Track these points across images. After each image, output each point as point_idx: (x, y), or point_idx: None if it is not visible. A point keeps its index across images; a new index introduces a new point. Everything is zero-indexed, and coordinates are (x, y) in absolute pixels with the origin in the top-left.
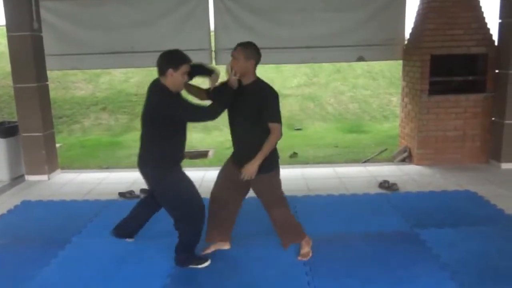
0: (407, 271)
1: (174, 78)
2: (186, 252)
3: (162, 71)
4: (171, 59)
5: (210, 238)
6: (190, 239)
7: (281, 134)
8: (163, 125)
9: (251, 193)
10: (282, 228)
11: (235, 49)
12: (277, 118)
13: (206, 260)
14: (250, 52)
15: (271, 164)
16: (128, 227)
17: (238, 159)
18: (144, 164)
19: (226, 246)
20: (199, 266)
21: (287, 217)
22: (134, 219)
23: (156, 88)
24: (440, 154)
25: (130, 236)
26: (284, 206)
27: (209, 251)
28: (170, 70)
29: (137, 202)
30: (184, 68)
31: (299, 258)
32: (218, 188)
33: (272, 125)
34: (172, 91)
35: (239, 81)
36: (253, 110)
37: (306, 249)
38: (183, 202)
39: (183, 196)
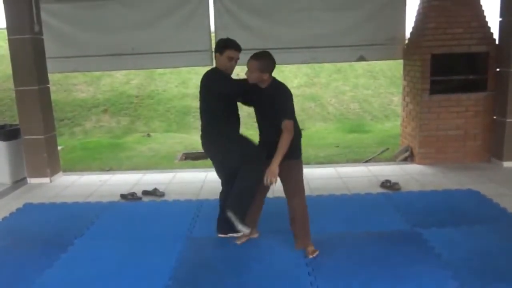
0: (409, 270)
1: (220, 61)
2: (238, 205)
3: (214, 55)
4: (217, 45)
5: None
6: (247, 187)
7: (293, 131)
8: (217, 101)
9: None
10: (300, 221)
11: (249, 59)
12: (287, 115)
13: (248, 228)
14: (265, 65)
15: (297, 152)
16: (226, 222)
17: (270, 152)
18: (211, 143)
19: (255, 235)
20: (239, 230)
21: (306, 210)
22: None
23: (209, 71)
24: (441, 153)
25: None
26: (304, 198)
27: (243, 240)
28: (217, 54)
29: (220, 197)
30: (229, 52)
31: (309, 256)
32: None
33: (283, 123)
34: (223, 71)
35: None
36: (271, 111)
37: (311, 246)
38: (245, 147)
39: (243, 144)
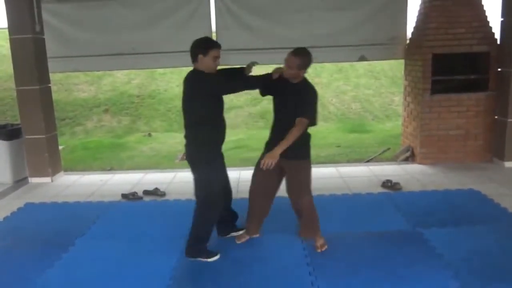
0: (410, 270)
1: (204, 62)
2: (198, 244)
3: (193, 58)
4: (200, 45)
5: (249, 230)
6: (203, 229)
7: (304, 130)
8: (203, 106)
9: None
10: (308, 217)
11: (289, 55)
12: (305, 114)
13: (215, 254)
14: (305, 63)
15: (305, 152)
16: (226, 225)
17: (272, 148)
18: (191, 151)
19: (256, 235)
20: (209, 260)
21: (314, 207)
22: (225, 218)
23: (191, 75)
24: (442, 153)
25: (235, 230)
26: (311, 196)
27: (243, 240)
28: (200, 56)
29: None
30: (213, 52)
31: (318, 250)
32: (254, 182)
33: (299, 119)
34: (206, 72)
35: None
36: (293, 106)
37: (321, 240)
38: (210, 187)
39: (212, 182)
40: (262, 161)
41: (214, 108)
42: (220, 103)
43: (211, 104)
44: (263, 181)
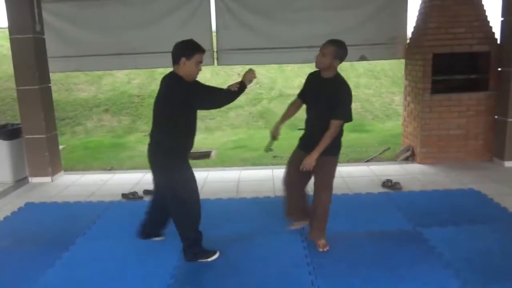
0: (410, 270)
1: (187, 67)
2: (193, 248)
3: (175, 60)
4: (184, 48)
5: (289, 216)
6: (191, 235)
7: (338, 131)
8: (176, 113)
9: (249, 194)
10: (322, 215)
11: (325, 43)
12: (338, 116)
13: (214, 253)
14: (341, 53)
15: (333, 149)
16: (153, 229)
17: (306, 143)
18: (155, 156)
19: (305, 222)
20: (209, 259)
21: (328, 207)
22: (153, 222)
23: (170, 79)
24: (443, 153)
25: (157, 235)
26: (330, 195)
27: (292, 227)
28: (183, 59)
29: (150, 205)
30: (198, 57)
31: (320, 249)
32: (287, 173)
33: (332, 122)
34: (186, 79)
35: (319, 72)
36: (326, 102)
37: (323, 240)
38: (185, 199)
39: (182, 189)
40: (301, 166)
41: (188, 116)
42: (194, 112)
43: (185, 113)
44: (295, 172)
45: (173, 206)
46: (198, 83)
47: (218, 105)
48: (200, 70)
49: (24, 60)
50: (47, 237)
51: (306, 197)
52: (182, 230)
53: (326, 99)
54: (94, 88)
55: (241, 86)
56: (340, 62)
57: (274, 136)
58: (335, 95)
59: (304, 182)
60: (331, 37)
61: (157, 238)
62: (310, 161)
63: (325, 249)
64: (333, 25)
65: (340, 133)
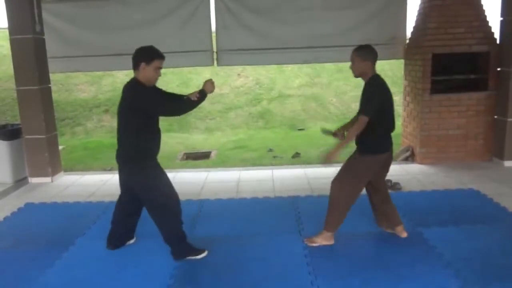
0: (410, 269)
1: (146, 72)
2: (178, 244)
3: (135, 65)
4: (144, 54)
5: (379, 224)
6: (171, 231)
7: (363, 127)
8: (137, 118)
9: (249, 194)
10: (331, 206)
11: (351, 54)
12: (363, 111)
13: (203, 251)
14: (365, 53)
15: (368, 149)
16: (120, 238)
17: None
18: (123, 160)
19: (399, 229)
20: (198, 257)
21: (337, 200)
22: (122, 229)
23: (130, 84)
24: (442, 153)
25: (129, 239)
26: (344, 189)
27: (390, 230)
28: (143, 64)
29: (116, 213)
30: (157, 63)
31: (305, 240)
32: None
33: (360, 117)
34: (145, 85)
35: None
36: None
37: (319, 240)
38: (164, 204)
39: (158, 192)
40: (322, 159)
41: (148, 122)
42: (155, 117)
43: (144, 119)
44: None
45: (153, 213)
46: (157, 90)
47: (177, 113)
48: (159, 75)
49: (24, 60)
50: (47, 237)
51: (387, 203)
52: (166, 232)
53: (361, 102)
54: (94, 89)
55: (201, 95)
56: (372, 63)
57: (335, 134)
58: (362, 94)
59: (377, 188)
60: (331, 37)
61: (130, 242)
62: (329, 154)
63: (311, 244)
64: (333, 25)
65: (371, 133)
